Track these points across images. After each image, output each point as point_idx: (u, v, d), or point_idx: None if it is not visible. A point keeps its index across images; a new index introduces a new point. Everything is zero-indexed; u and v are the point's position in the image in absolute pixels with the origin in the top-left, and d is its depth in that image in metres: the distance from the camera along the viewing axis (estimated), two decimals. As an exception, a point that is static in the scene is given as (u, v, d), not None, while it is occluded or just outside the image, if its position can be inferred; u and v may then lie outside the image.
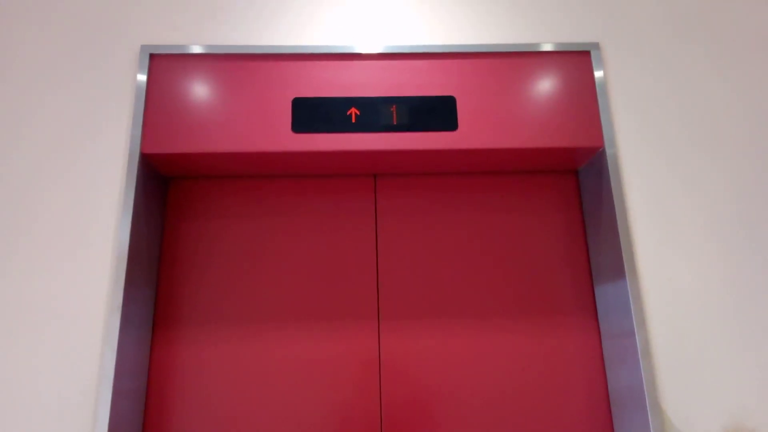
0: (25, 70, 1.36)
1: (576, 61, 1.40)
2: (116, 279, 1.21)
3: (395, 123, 1.32)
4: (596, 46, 1.41)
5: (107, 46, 1.38)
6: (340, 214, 1.48)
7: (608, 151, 1.35)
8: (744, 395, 1.22)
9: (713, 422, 1.20)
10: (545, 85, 1.37)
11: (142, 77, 1.33)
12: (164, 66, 1.35)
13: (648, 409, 1.17)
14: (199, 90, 1.33)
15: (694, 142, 1.39)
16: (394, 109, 1.33)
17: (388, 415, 1.33)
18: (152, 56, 1.36)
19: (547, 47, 1.40)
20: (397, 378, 1.36)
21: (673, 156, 1.38)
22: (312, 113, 1.32)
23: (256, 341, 1.37)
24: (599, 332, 1.41)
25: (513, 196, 1.52)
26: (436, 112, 1.33)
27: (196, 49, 1.36)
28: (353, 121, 1.32)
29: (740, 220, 1.34)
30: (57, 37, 1.38)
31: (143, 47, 1.36)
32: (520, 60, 1.39)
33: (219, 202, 1.47)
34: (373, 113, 1.33)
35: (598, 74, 1.39)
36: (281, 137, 1.30)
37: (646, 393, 1.18)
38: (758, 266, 1.31)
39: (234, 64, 1.36)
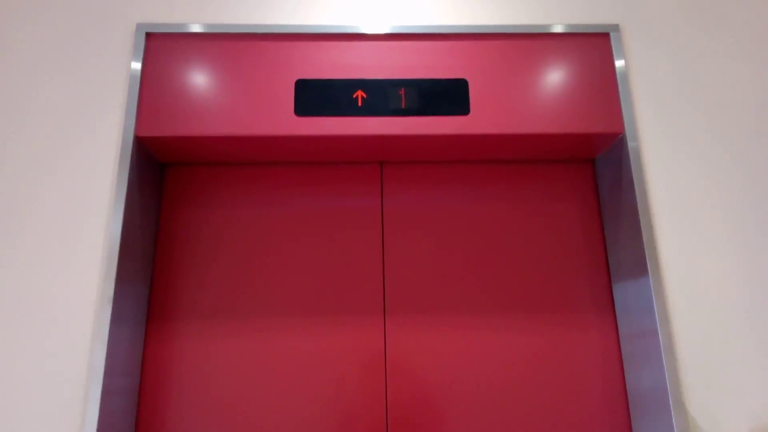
0: (16, 46, 1.30)
1: (594, 43, 1.34)
2: (107, 270, 1.15)
3: (404, 107, 1.26)
4: (616, 28, 1.36)
5: (101, 25, 1.33)
6: (344, 203, 1.42)
7: (628, 138, 1.29)
8: (772, 395, 1.17)
9: (740, 423, 1.15)
10: (562, 69, 1.31)
11: (138, 57, 1.28)
12: (161, 46, 1.29)
13: (672, 410, 1.12)
14: (198, 71, 1.28)
15: (717, 131, 1.33)
16: (402, 92, 1.27)
17: (394, 412, 1.27)
18: (149, 35, 1.31)
19: (564, 29, 1.34)
20: (404, 375, 1.30)
21: (696, 144, 1.32)
22: (316, 96, 1.26)
23: (255, 337, 1.31)
24: (617, 330, 1.36)
25: (526, 187, 1.46)
26: (447, 96, 1.27)
27: (195, 28, 1.31)
28: (359, 104, 1.27)
29: (766, 213, 1.28)
30: (50, 15, 1.33)
31: (139, 26, 1.31)
32: (536, 42, 1.33)
33: (218, 190, 1.42)
34: (380, 96, 1.27)
35: (617, 57, 1.34)
36: (283, 121, 1.25)
37: (669, 394, 1.13)
38: (787, 261, 1.25)
39: (235, 44, 1.30)
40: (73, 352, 1.12)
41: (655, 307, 1.19)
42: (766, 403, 1.16)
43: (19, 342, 1.12)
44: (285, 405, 1.27)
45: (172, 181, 1.42)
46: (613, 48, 1.34)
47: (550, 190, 1.46)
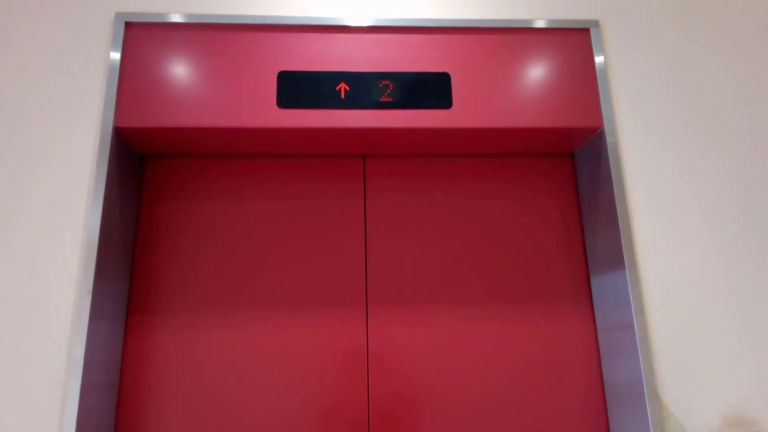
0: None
1: (574, 39, 1.35)
2: (86, 264, 1.13)
3: (387, 99, 1.26)
4: (595, 23, 1.37)
5: (80, 14, 1.30)
6: (327, 196, 1.42)
7: (607, 133, 1.30)
8: (744, 386, 1.19)
9: (713, 413, 1.17)
10: (543, 64, 1.32)
11: (117, 47, 1.26)
12: (141, 35, 1.27)
13: (647, 401, 1.14)
14: (179, 61, 1.26)
15: (695, 127, 1.35)
16: (385, 85, 1.27)
17: (376, 406, 1.28)
18: (128, 25, 1.28)
19: (545, 24, 1.35)
20: (386, 368, 1.30)
21: (674, 140, 1.34)
22: (299, 88, 1.26)
23: (237, 330, 1.30)
24: (594, 323, 1.37)
25: (506, 180, 1.47)
26: (430, 89, 1.27)
27: (176, 18, 1.29)
28: (342, 96, 1.26)
29: (742, 209, 1.31)
30: (27, 4, 1.30)
31: (118, 15, 1.29)
32: (517, 37, 1.34)
33: (198, 182, 1.40)
34: (363, 89, 1.27)
35: (597, 53, 1.35)
36: (266, 112, 1.24)
37: (644, 385, 1.15)
38: (760, 256, 1.28)
39: (217, 35, 1.28)
40: (51, 347, 1.10)
41: (631, 299, 1.20)
42: (739, 394, 1.19)
43: (-5, 336, 1.10)
44: (267, 398, 1.26)
45: (152, 172, 1.40)
46: (593, 44, 1.35)
47: (530, 183, 1.47)
